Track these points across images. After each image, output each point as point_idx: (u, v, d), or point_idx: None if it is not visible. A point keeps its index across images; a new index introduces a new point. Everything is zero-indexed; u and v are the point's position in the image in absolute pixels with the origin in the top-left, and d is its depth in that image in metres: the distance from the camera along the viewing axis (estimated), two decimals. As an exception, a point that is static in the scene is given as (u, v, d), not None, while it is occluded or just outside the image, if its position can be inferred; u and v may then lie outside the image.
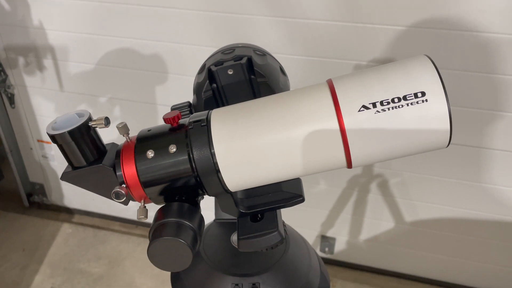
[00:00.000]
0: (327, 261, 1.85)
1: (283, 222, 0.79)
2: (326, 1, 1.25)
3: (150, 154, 0.54)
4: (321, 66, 1.37)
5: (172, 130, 0.56)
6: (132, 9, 1.45)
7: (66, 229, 2.02)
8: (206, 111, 0.57)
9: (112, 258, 1.88)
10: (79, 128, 0.53)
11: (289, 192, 0.61)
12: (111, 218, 2.05)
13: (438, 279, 1.73)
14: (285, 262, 0.75)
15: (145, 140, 0.56)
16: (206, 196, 0.60)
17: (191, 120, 0.56)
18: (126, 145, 0.56)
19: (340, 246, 1.79)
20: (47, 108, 1.81)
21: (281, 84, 0.70)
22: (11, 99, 1.83)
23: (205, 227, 0.84)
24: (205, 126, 0.54)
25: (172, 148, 0.54)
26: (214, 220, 0.83)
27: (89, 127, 0.55)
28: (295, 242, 0.83)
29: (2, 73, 1.77)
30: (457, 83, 1.28)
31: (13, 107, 1.85)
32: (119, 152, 0.56)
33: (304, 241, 0.89)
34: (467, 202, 1.50)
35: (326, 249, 1.80)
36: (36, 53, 1.67)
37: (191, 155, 0.53)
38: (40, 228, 2.03)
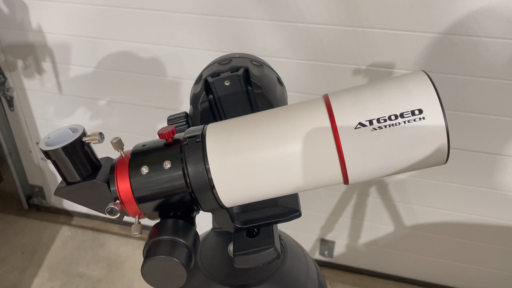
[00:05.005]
0: (327, 265, 1.84)
1: (279, 235, 0.79)
2: (325, 5, 1.25)
3: (145, 170, 0.54)
4: (320, 70, 1.37)
5: (167, 145, 0.55)
6: (131, 12, 1.44)
7: (65, 231, 2.02)
8: (202, 126, 0.56)
9: (111, 261, 1.87)
10: (73, 144, 0.53)
11: (285, 206, 0.60)
12: (110, 220, 2.05)
13: (438, 283, 1.73)
14: (283, 272, 0.75)
15: (140, 156, 0.56)
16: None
17: (186, 136, 0.55)
18: (120, 160, 0.56)
19: (339, 249, 1.79)
20: (46, 111, 1.80)
21: (277, 95, 0.69)
22: (10, 102, 1.83)
23: (202, 236, 0.83)
24: (200, 142, 0.53)
25: (167, 164, 0.53)
26: (211, 229, 0.82)
27: (83, 143, 0.54)
28: (292, 252, 0.82)
29: (1, 76, 1.76)
30: (454, 88, 1.27)
31: (12, 110, 1.85)
32: (113, 167, 0.56)
33: (302, 250, 0.89)
34: (467, 206, 1.49)
35: (326, 252, 1.80)
36: (35, 56, 1.67)
37: (186, 171, 0.53)
38: (39, 230, 2.02)
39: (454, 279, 1.70)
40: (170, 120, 0.70)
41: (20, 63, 1.71)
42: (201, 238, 0.82)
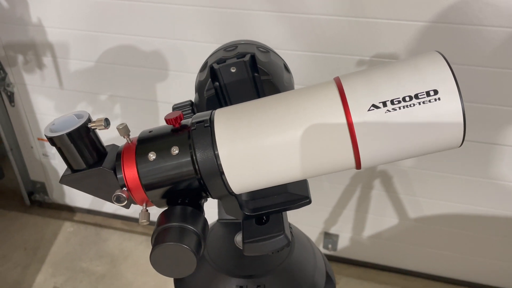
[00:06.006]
0: (331, 258, 1.84)
1: (289, 223, 0.77)
2: (328, -4, 1.24)
3: (152, 156, 0.53)
4: (324, 61, 1.36)
5: (174, 131, 0.54)
6: (132, 5, 1.43)
7: (67, 227, 2.01)
8: (209, 111, 0.55)
9: (114, 256, 1.86)
10: (78, 130, 0.52)
11: (295, 193, 0.59)
12: (113, 216, 2.04)
13: (443, 275, 1.72)
14: (291, 263, 0.74)
15: (147, 142, 0.54)
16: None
17: (193, 121, 0.54)
18: (127, 147, 0.55)
19: (343, 243, 1.78)
20: (47, 106, 1.79)
21: (285, 82, 0.68)
22: (11, 97, 1.81)
23: (209, 227, 0.82)
24: (208, 127, 0.52)
25: (175, 150, 0.52)
26: (217, 220, 0.81)
27: (88, 129, 0.53)
28: (300, 243, 0.81)
29: (1, 71, 1.75)
30: (461, 79, 1.26)
31: (13, 106, 1.84)
32: (119, 154, 0.54)
33: (309, 241, 0.88)
34: (472, 198, 1.48)
35: (330, 246, 1.79)
36: (35, 51, 1.65)
37: (194, 157, 0.52)
38: (42, 227, 2.01)
39: (459, 272, 1.69)
40: (175, 109, 0.69)
41: (20, 58, 1.70)
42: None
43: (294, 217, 1.75)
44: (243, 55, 0.65)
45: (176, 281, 0.79)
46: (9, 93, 1.80)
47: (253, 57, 0.65)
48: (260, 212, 0.58)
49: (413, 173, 1.50)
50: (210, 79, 0.66)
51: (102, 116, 1.71)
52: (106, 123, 0.52)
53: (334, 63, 1.35)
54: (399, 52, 1.28)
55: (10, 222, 2.04)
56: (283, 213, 0.59)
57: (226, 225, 0.79)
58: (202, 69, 0.70)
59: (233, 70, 0.65)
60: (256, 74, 0.66)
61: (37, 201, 2.13)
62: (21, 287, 1.74)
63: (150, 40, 1.48)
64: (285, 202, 0.58)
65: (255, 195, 0.60)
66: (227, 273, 0.70)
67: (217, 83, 0.66)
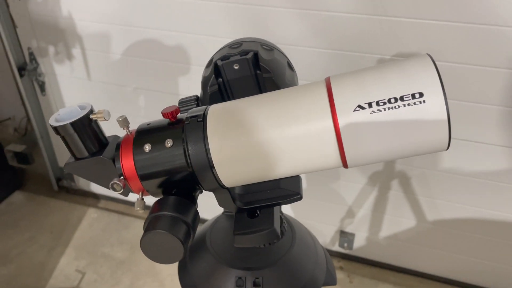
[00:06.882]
0: (346, 257, 1.83)
1: (286, 217, 0.79)
2: (349, -6, 1.23)
3: (147, 147, 0.55)
4: (344, 59, 1.35)
5: (171, 124, 0.57)
6: (158, 0, 1.46)
7: (92, 213, 2.09)
8: (205, 107, 0.57)
9: (134, 243, 1.92)
10: (80, 120, 0.55)
11: (287, 189, 0.60)
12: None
13: (459, 280, 1.69)
14: (290, 258, 0.75)
15: (144, 134, 0.57)
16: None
17: (188, 116, 0.56)
18: (126, 138, 0.58)
19: (359, 242, 1.77)
20: (75, 96, 1.86)
21: (287, 80, 0.69)
22: (42, 87, 1.89)
23: (214, 219, 0.85)
24: (201, 122, 0.54)
25: (168, 143, 0.55)
26: (222, 213, 0.83)
27: (90, 120, 0.56)
28: (301, 238, 0.82)
29: (34, 61, 1.83)
30: (484, 81, 1.23)
31: (44, 95, 1.92)
32: (119, 145, 0.57)
33: (311, 236, 0.89)
34: (493, 202, 1.45)
35: (345, 244, 1.79)
36: (65, 43, 1.72)
37: (186, 150, 0.54)
38: (68, 212, 2.10)
39: (477, 277, 1.66)
40: (181, 103, 0.72)
41: (51, 49, 1.77)
42: (211, 221, 0.84)
43: (311, 214, 1.77)
44: (246, 52, 0.67)
45: (180, 269, 0.82)
46: (40, 83, 1.88)
47: (256, 55, 0.67)
48: (252, 206, 0.60)
49: (432, 175, 1.48)
50: (213, 75, 0.68)
51: (126, 107, 1.75)
52: (107, 114, 0.55)
53: (354, 61, 1.35)
54: (420, 51, 1.27)
55: (38, 206, 2.13)
56: (275, 207, 0.61)
57: (231, 218, 0.81)
58: (207, 65, 0.72)
59: (236, 67, 0.67)
60: (258, 72, 0.67)
61: (65, 187, 2.21)
62: (46, 268, 1.83)
63: (175, 34, 1.52)
64: (276, 197, 0.60)
65: (248, 189, 0.62)
66: (227, 264, 0.73)
67: (220, 79, 0.68)
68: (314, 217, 1.79)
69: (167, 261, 0.53)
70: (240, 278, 0.72)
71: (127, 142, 0.57)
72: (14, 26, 1.77)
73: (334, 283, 0.85)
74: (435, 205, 1.54)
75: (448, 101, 0.46)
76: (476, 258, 1.60)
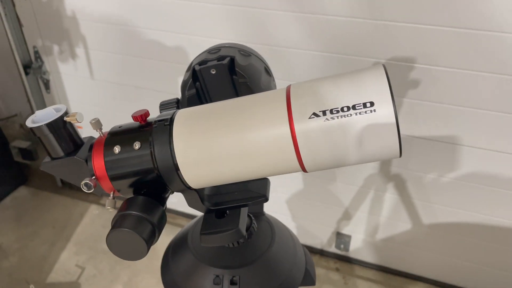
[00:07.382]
0: (342, 258, 1.84)
1: (267, 218, 0.80)
2: (346, -3, 1.24)
3: (117, 149, 0.58)
4: (339, 62, 1.36)
5: (140, 127, 0.59)
6: (160, 2, 1.49)
7: (93, 210, 2.13)
8: (173, 111, 0.60)
9: (134, 240, 1.96)
10: (54, 121, 0.57)
11: (254, 191, 0.62)
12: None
13: (456, 284, 1.69)
14: (268, 258, 0.77)
15: (115, 136, 0.59)
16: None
17: (156, 119, 0.58)
18: (98, 140, 0.60)
19: (355, 244, 1.78)
20: (78, 94, 1.90)
21: (262, 85, 0.71)
22: (47, 84, 1.94)
23: (197, 218, 0.87)
24: (168, 126, 0.56)
25: (136, 145, 0.57)
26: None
27: (64, 121, 0.58)
28: (281, 239, 0.84)
29: (39, 60, 1.87)
30: (480, 86, 1.23)
31: (49, 92, 1.96)
32: (92, 146, 0.60)
33: (292, 237, 0.90)
34: (489, 207, 1.45)
35: (342, 246, 1.80)
36: (69, 42, 1.75)
37: (153, 153, 0.56)
38: (70, 207, 2.14)
39: (471, 281, 1.65)
40: (162, 105, 0.74)
41: (56, 48, 1.81)
42: (195, 220, 0.86)
43: (308, 215, 1.78)
44: (223, 58, 0.69)
45: (162, 267, 0.85)
46: (45, 81, 1.92)
47: (232, 60, 0.69)
48: (220, 207, 0.62)
49: (428, 179, 1.48)
50: (191, 80, 0.70)
51: (128, 106, 1.78)
52: (79, 117, 0.58)
53: (349, 64, 1.35)
54: (416, 56, 1.27)
55: (42, 201, 2.18)
56: (242, 209, 0.63)
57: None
58: (188, 70, 0.74)
59: (213, 72, 0.69)
60: (234, 77, 0.69)
61: (68, 183, 2.25)
62: (47, 262, 1.87)
63: (176, 35, 1.54)
64: (243, 199, 0.62)
65: (216, 190, 0.64)
66: (206, 262, 0.74)
67: (198, 84, 0.70)
68: (311, 218, 1.80)
69: (131, 258, 0.55)
70: (217, 276, 0.74)
71: (99, 144, 0.59)
72: (20, 25, 1.82)
73: (313, 284, 0.86)
74: (431, 208, 1.55)
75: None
76: (471, 262, 1.60)
